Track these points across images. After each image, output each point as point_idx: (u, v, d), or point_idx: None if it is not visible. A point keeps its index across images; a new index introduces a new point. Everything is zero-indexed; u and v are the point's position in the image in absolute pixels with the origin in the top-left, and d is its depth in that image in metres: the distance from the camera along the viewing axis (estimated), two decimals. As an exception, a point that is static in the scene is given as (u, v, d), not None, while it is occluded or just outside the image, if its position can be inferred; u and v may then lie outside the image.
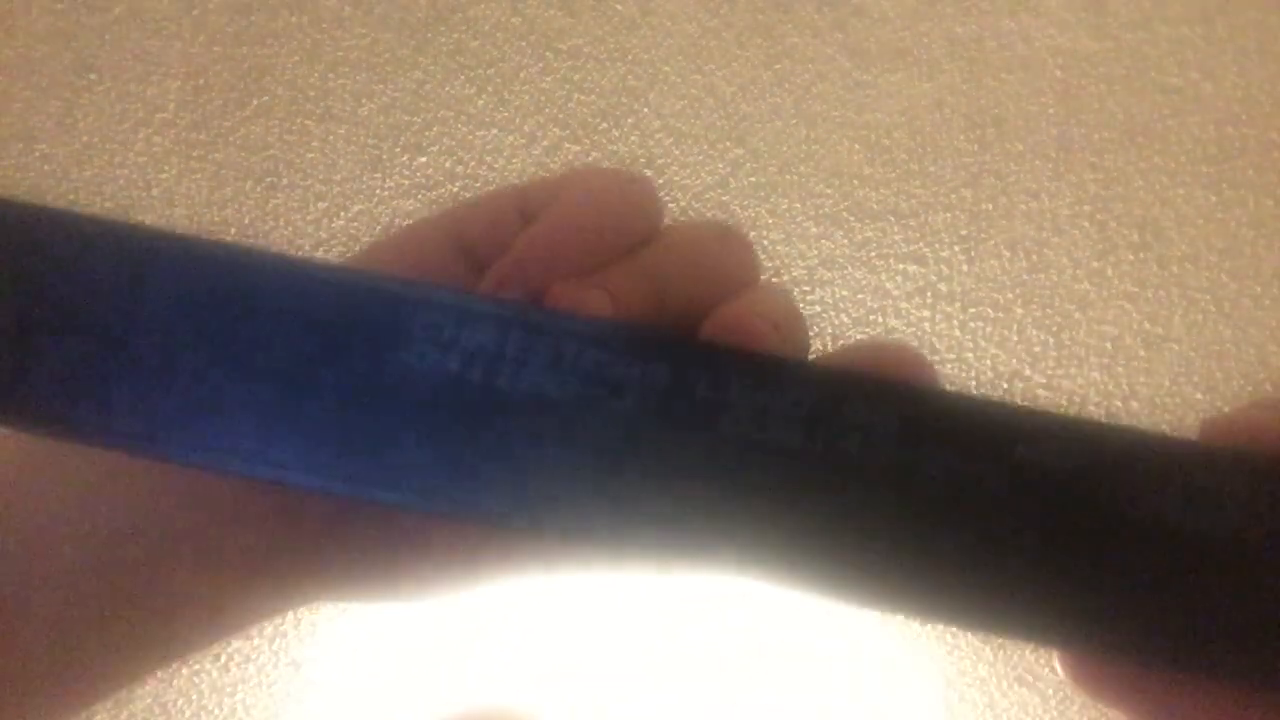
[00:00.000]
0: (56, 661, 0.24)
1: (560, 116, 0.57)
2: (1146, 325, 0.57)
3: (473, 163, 0.57)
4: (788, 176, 0.57)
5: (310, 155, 0.57)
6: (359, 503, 0.21)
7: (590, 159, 0.57)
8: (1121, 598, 0.19)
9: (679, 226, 0.24)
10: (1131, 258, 0.57)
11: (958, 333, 0.57)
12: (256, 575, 0.25)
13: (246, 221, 0.57)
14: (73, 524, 0.24)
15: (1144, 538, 0.19)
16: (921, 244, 0.57)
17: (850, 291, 0.57)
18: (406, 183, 0.57)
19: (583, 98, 0.57)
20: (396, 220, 0.57)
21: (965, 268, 0.57)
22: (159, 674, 0.54)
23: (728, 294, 0.23)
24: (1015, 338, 0.57)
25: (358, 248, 0.26)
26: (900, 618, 0.53)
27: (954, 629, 0.20)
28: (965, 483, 0.19)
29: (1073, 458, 0.19)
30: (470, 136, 0.57)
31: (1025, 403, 0.20)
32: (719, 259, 0.24)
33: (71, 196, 0.57)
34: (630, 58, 0.58)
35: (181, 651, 0.27)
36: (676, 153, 0.57)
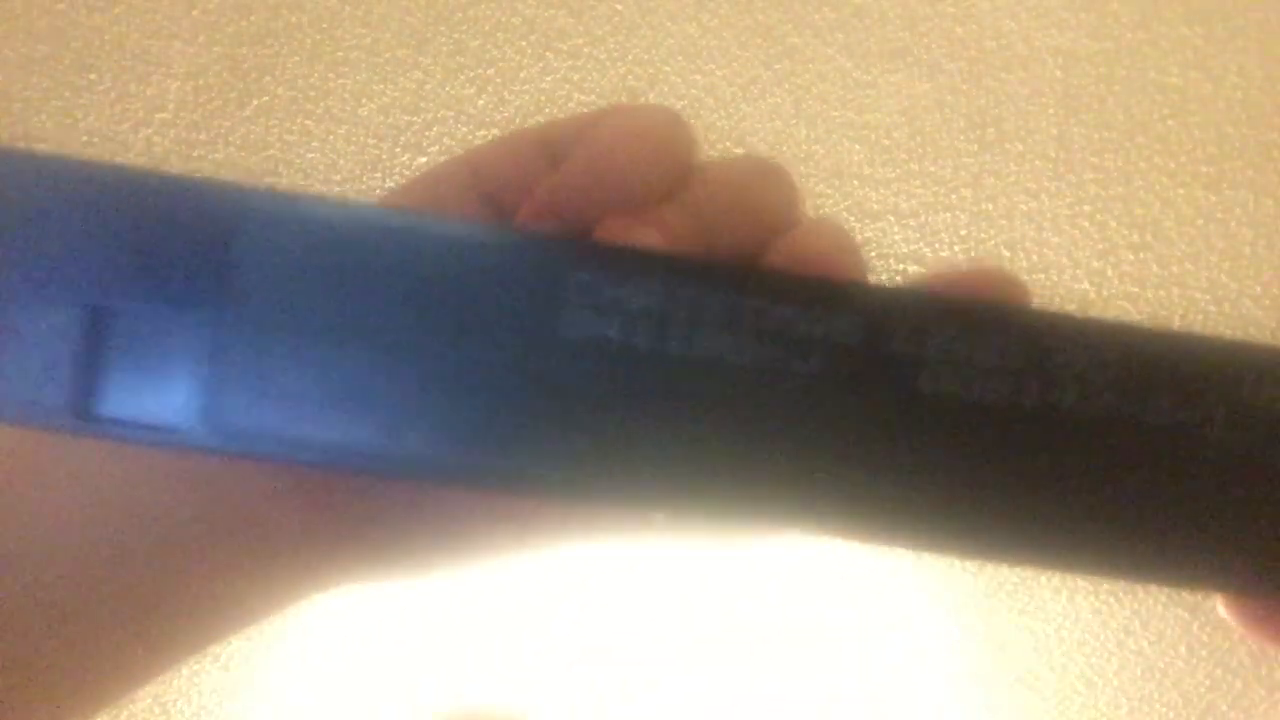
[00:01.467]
0: (70, 660, 0.23)
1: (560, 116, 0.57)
2: (1146, 325, 0.57)
3: (473, 163, 0.57)
4: (788, 176, 0.57)
5: (310, 155, 0.57)
6: (509, 496, 0.18)
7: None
8: None
9: (718, 163, 0.23)
10: (1131, 258, 0.57)
11: (958, 333, 0.57)
12: (282, 557, 0.24)
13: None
14: (82, 511, 0.23)
15: None
16: (921, 244, 0.57)
17: (850, 291, 0.57)
18: (406, 183, 0.57)
19: (583, 98, 0.57)
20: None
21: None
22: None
23: (778, 229, 0.21)
24: (1015, 338, 0.57)
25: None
26: (1045, 574, 0.53)
27: (1166, 588, 0.20)
28: (1186, 430, 0.18)
29: None
30: (470, 136, 0.57)
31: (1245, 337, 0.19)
32: (764, 194, 0.22)
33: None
34: (630, 58, 0.57)
35: (204, 643, 0.26)
36: (676, 153, 0.57)
